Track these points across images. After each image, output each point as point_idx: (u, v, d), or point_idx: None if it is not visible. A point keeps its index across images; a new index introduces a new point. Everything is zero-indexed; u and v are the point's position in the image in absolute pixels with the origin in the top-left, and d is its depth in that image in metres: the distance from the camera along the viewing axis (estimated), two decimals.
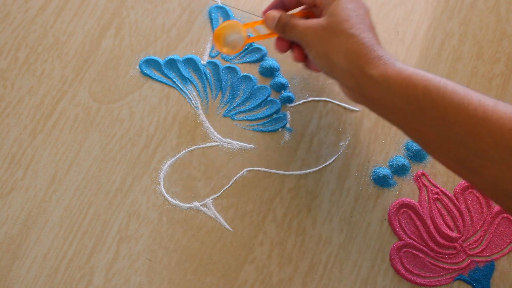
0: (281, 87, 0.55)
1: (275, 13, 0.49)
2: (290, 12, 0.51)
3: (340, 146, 0.54)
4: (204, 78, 0.56)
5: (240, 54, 0.57)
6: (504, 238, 0.51)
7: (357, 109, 0.55)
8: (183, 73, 0.56)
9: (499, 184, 0.37)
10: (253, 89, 0.55)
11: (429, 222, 0.51)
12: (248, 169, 0.53)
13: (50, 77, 0.56)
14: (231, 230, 0.51)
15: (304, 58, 0.50)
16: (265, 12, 0.51)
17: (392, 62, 0.41)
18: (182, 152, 0.53)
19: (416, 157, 0.53)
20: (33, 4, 0.58)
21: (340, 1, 0.45)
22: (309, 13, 0.50)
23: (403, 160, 0.53)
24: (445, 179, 0.53)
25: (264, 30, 0.51)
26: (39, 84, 0.55)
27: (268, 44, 0.57)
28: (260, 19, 0.51)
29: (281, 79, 0.55)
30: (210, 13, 0.58)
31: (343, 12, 0.44)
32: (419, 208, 0.52)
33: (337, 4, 0.44)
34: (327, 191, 0.52)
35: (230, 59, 0.56)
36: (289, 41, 0.50)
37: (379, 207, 0.52)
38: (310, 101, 0.55)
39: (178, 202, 0.52)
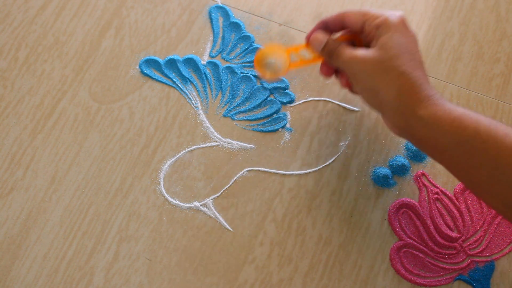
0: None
1: (322, 37, 0.47)
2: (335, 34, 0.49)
3: (340, 146, 0.54)
4: (204, 78, 0.56)
5: (240, 54, 0.57)
6: (504, 238, 0.51)
7: (357, 109, 0.55)
8: (183, 73, 0.56)
9: None
10: (253, 89, 0.55)
11: (429, 222, 0.51)
12: (248, 169, 0.53)
13: (50, 77, 0.56)
14: (231, 230, 0.51)
15: (351, 85, 0.49)
16: (309, 36, 0.49)
17: (442, 103, 0.41)
18: (182, 152, 0.53)
19: (416, 157, 0.53)
20: (33, 4, 0.58)
21: (392, 34, 0.43)
22: (354, 37, 0.48)
23: (403, 160, 0.53)
24: (445, 179, 0.53)
25: (305, 53, 0.50)
26: (39, 84, 0.55)
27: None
28: (303, 42, 0.50)
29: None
30: (210, 13, 0.58)
31: (395, 47, 0.42)
32: (419, 208, 0.52)
33: (389, 38, 0.43)
34: (327, 191, 0.52)
35: (230, 59, 0.56)
36: (334, 67, 0.49)
37: (379, 207, 0.52)
38: (310, 101, 0.55)
39: (178, 202, 0.52)
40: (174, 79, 0.56)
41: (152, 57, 0.56)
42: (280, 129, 0.54)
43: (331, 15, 0.48)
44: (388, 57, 0.42)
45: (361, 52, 0.44)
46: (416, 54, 0.43)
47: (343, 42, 0.47)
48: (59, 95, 0.55)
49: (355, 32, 0.47)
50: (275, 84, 0.55)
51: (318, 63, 0.50)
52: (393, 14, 0.45)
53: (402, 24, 0.44)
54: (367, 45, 0.45)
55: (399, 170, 0.53)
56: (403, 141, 0.54)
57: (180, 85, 0.56)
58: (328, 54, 0.47)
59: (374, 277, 0.50)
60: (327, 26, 0.49)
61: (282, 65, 0.50)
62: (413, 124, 0.42)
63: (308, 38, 0.49)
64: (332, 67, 0.49)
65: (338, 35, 0.49)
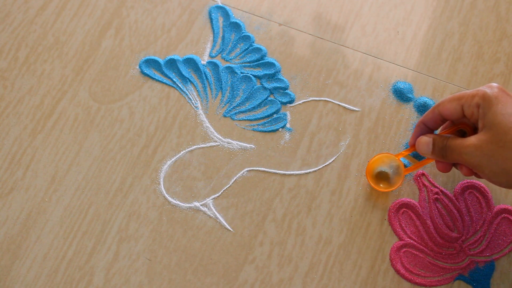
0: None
1: (427, 138, 0.46)
2: (439, 132, 0.48)
3: (340, 146, 0.54)
4: (204, 78, 0.56)
5: (240, 54, 0.57)
6: (504, 238, 0.51)
7: (357, 109, 0.55)
8: (183, 73, 0.56)
9: None
10: (253, 89, 0.55)
11: (429, 222, 0.51)
12: (248, 169, 0.53)
13: (50, 77, 0.56)
14: (231, 230, 0.51)
15: (474, 172, 0.46)
16: (412, 140, 0.49)
17: None
18: (182, 152, 0.53)
19: (416, 157, 0.53)
20: (33, 4, 0.58)
21: (496, 107, 0.41)
22: (460, 126, 0.47)
23: (403, 160, 0.53)
24: (445, 179, 0.53)
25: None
26: (39, 84, 0.55)
27: (268, 44, 0.57)
28: (408, 147, 0.49)
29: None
30: (210, 13, 0.58)
31: (505, 119, 0.40)
32: (419, 208, 0.52)
33: (494, 112, 0.41)
34: (327, 191, 0.52)
35: (230, 59, 0.56)
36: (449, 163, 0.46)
37: (379, 207, 0.52)
38: (310, 101, 0.55)
39: (178, 202, 0.52)
40: (174, 79, 0.56)
41: (152, 57, 0.56)
42: (280, 129, 0.54)
43: (426, 113, 0.47)
44: (502, 132, 0.40)
45: (472, 139, 0.42)
46: None
47: (450, 136, 0.45)
48: (59, 95, 0.55)
49: (456, 121, 0.46)
50: (275, 84, 0.55)
51: (433, 161, 0.49)
52: (489, 87, 0.43)
53: (502, 93, 0.42)
54: (475, 127, 0.43)
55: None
56: (403, 141, 0.54)
57: (180, 85, 0.56)
58: (440, 154, 0.45)
59: (374, 277, 0.50)
60: (427, 125, 0.48)
61: (396, 173, 0.49)
62: None
63: (412, 143, 0.49)
64: (448, 163, 0.47)
65: (442, 132, 0.47)
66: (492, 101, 0.41)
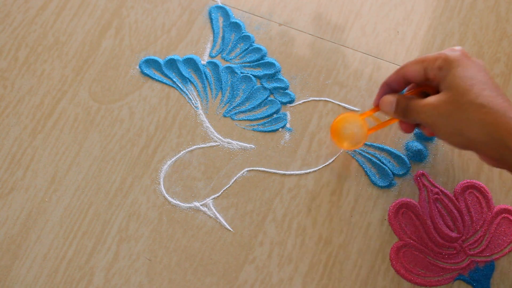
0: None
1: (391, 98, 0.46)
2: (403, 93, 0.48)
3: None
4: (204, 78, 0.56)
5: (240, 54, 0.57)
6: (504, 238, 0.51)
7: (357, 109, 0.55)
8: (183, 73, 0.56)
9: None
10: (253, 89, 0.55)
11: (429, 222, 0.51)
12: (248, 169, 0.53)
13: (50, 77, 0.56)
14: (231, 230, 0.51)
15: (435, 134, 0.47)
16: (376, 100, 0.49)
17: None
18: (182, 152, 0.53)
19: (416, 157, 0.53)
20: (33, 4, 0.58)
21: (457, 70, 0.41)
22: (423, 89, 0.47)
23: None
24: (445, 179, 0.53)
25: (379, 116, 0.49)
26: (39, 84, 0.55)
27: (268, 44, 0.57)
28: (373, 107, 0.49)
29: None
30: (210, 13, 0.58)
31: (463, 81, 0.41)
32: (419, 208, 0.52)
33: (454, 74, 0.41)
34: (327, 191, 0.52)
35: (230, 59, 0.56)
36: (413, 123, 0.47)
37: (379, 207, 0.52)
38: (310, 101, 0.55)
39: (178, 202, 0.52)
40: (174, 79, 0.56)
41: (152, 57, 0.56)
42: (280, 129, 0.54)
43: (391, 75, 0.48)
44: (459, 94, 0.41)
45: (431, 99, 0.43)
46: (488, 82, 0.41)
47: (413, 96, 0.45)
48: (59, 95, 0.55)
49: (420, 83, 0.46)
50: (275, 84, 0.55)
51: (396, 122, 0.49)
52: (451, 50, 0.43)
53: (464, 56, 0.42)
54: (437, 90, 0.44)
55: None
56: (403, 141, 0.54)
57: (180, 85, 0.56)
58: (402, 113, 0.46)
59: (374, 277, 0.50)
60: (391, 87, 0.48)
61: (360, 132, 0.49)
62: (506, 155, 0.40)
63: (376, 103, 0.49)
64: (411, 123, 0.48)
65: (407, 93, 0.48)
66: (453, 64, 0.42)
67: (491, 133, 0.40)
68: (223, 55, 0.57)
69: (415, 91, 0.47)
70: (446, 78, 0.42)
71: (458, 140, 0.42)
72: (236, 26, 0.57)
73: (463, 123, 0.41)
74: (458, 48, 0.44)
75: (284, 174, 0.53)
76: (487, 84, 0.41)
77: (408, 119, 0.46)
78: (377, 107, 0.49)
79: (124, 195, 0.52)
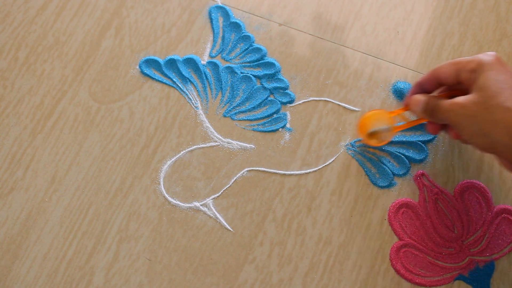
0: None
1: (421, 97, 0.47)
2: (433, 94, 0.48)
3: (340, 146, 0.54)
4: (204, 78, 0.56)
5: (240, 54, 0.57)
6: (504, 238, 0.51)
7: (357, 109, 0.55)
8: (183, 73, 0.56)
9: None
10: (253, 89, 0.55)
11: (429, 222, 0.51)
12: (248, 169, 0.53)
13: (50, 77, 0.56)
14: (231, 230, 0.51)
15: (461, 136, 0.48)
16: (407, 100, 0.50)
17: None
18: (182, 152, 0.53)
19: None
20: (33, 4, 0.58)
21: (489, 73, 0.42)
22: (454, 92, 0.47)
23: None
24: (445, 179, 0.53)
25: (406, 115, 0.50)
26: (39, 84, 0.55)
27: (268, 44, 0.57)
28: (402, 106, 0.50)
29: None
30: (210, 13, 0.58)
31: (494, 84, 0.41)
32: (419, 208, 0.52)
33: (486, 77, 0.42)
34: (327, 191, 0.52)
35: (230, 59, 0.56)
36: (440, 124, 0.48)
37: (379, 207, 0.52)
38: (310, 101, 0.55)
39: (178, 202, 0.52)
40: (174, 79, 0.56)
41: (152, 57, 0.56)
42: (280, 129, 0.54)
43: (424, 75, 0.48)
44: (488, 96, 0.41)
45: (460, 98, 0.43)
46: None
47: (442, 98, 0.46)
48: (59, 95, 0.55)
49: (452, 85, 0.47)
50: (275, 84, 0.55)
51: (424, 122, 0.50)
52: (485, 54, 0.44)
53: (497, 61, 0.43)
54: (467, 93, 0.44)
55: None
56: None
57: (180, 85, 0.56)
58: (430, 113, 0.46)
59: (374, 277, 0.50)
60: (423, 87, 0.49)
61: (387, 130, 0.50)
62: None
63: (407, 102, 0.49)
64: (438, 124, 0.48)
65: (437, 94, 0.48)
66: (486, 67, 0.43)
67: None
68: (223, 55, 0.57)
69: (446, 94, 0.48)
70: (477, 80, 0.43)
71: (482, 141, 0.43)
72: (236, 26, 0.57)
73: (488, 124, 0.41)
74: (492, 53, 0.44)
75: (284, 174, 0.53)
76: None
77: (435, 119, 0.46)
78: (406, 106, 0.50)
79: (124, 195, 0.52)
